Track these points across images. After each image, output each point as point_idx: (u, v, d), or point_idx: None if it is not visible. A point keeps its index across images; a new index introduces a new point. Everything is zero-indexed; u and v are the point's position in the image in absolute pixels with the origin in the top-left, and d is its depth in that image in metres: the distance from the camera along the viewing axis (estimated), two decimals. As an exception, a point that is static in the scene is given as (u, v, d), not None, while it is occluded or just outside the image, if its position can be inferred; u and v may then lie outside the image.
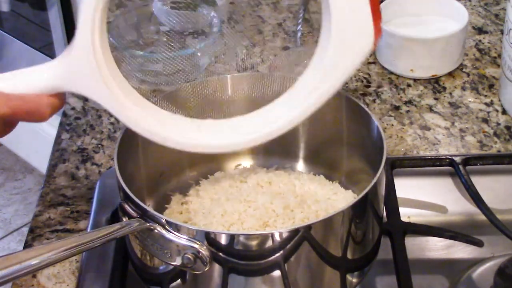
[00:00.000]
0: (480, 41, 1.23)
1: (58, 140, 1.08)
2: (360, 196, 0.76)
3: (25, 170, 2.38)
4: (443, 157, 0.98)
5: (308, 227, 0.74)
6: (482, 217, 0.91)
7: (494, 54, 1.20)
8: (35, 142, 2.22)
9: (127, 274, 0.87)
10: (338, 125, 0.89)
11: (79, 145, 1.06)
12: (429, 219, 0.97)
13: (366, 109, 0.85)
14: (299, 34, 1.23)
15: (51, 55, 1.99)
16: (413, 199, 0.98)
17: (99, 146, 1.06)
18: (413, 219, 0.94)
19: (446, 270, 0.92)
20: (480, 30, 1.25)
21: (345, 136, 0.90)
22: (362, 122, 0.85)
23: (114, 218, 0.92)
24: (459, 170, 0.96)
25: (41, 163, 2.19)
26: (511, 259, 0.86)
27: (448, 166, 0.97)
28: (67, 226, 0.94)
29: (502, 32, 1.20)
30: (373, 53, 1.20)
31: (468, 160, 0.97)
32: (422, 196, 0.99)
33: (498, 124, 1.07)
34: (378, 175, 0.77)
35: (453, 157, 0.97)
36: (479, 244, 0.87)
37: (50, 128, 2.08)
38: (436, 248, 0.94)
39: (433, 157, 0.99)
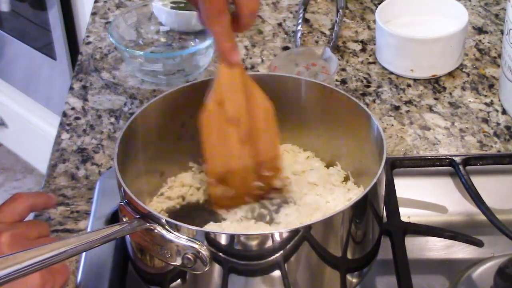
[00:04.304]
0: (480, 41, 1.23)
1: (58, 140, 1.07)
2: (360, 196, 0.76)
3: (25, 170, 2.38)
4: (443, 157, 0.98)
5: (308, 227, 0.74)
6: (482, 217, 0.91)
7: (494, 54, 1.20)
8: (35, 142, 2.22)
9: (127, 274, 0.87)
10: (338, 125, 0.89)
11: (79, 145, 1.06)
12: (429, 219, 0.97)
13: (366, 109, 0.85)
14: (299, 34, 1.23)
15: (51, 55, 1.99)
16: (413, 199, 0.98)
17: (99, 146, 1.06)
18: (413, 219, 0.94)
19: (446, 270, 0.92)
20: (480, 30, 1.25)
21: (345, 136, 0.89)
22: (362, 122, 0.85)
23: (114, 218, 0.92)
24: (459, 170, 0.96)
25: (41, 163, 2.19)
26: (511, 259, 0.86)
27: (448, 166, 0.97)
28: (67, 226, 0.94)
29: (502, 32, 1.20)
30: (373, 53, 1.20)
31: (468, 160, 0.97)
32: (422, 196, 0.99)
33: (498, 124, 1.07)
34: (378, 175, 0.77)
35: (453, 157, 0.97)
36: (479, 244, 0.87)
37: (50, 128, 2.07)
38: (436, 248, 0.94)
39: (433, 157, 0.99)
